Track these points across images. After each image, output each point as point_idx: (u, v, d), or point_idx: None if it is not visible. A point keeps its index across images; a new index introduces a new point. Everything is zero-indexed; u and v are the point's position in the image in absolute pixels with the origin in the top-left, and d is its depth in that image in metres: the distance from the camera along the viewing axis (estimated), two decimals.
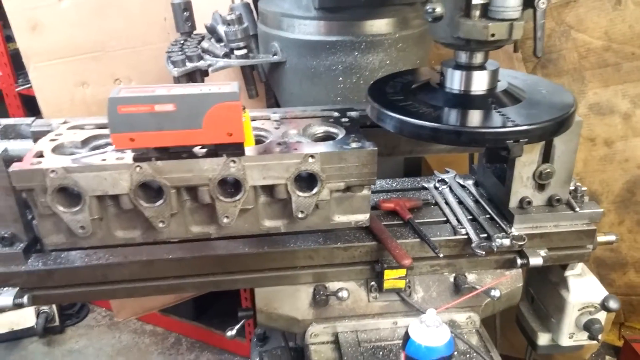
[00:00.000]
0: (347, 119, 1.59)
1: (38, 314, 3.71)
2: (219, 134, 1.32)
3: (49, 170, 1.30)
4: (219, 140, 1.33)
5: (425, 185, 2.05)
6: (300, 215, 1.44)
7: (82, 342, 3.88)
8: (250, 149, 1.38)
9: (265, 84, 2.57)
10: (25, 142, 1.67)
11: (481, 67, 1.43)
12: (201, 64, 2.15)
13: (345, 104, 2.14)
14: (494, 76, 1.46)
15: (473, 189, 2.02)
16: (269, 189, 1.44)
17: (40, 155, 1.38)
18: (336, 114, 1.64)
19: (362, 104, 1.73)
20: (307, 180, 1.44)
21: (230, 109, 1.29)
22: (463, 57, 1.43)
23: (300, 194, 1.41)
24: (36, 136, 1.61)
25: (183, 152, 1.38)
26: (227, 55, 2.18)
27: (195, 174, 1.37)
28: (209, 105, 1.28)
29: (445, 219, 1.86)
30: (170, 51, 2.21)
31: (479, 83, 1.44)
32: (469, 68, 1.43)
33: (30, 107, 3.34)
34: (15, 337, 3.85)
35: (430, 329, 1.33)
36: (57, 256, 1.64)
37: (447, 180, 2.05)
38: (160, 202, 1.38)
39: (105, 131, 1.52)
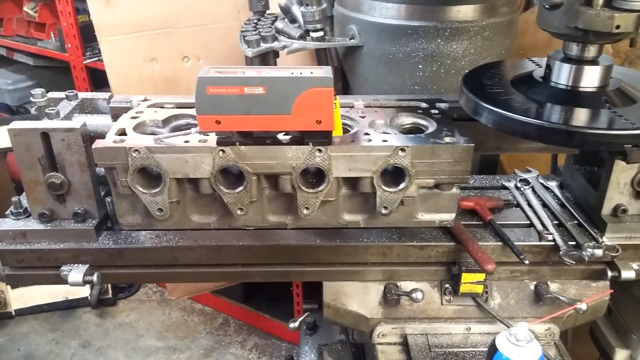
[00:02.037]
0: (436, 111, 1.49)
1: (92, 286, 3.77)
2: (308, 121, 1.24)
3: (132, 150, 1.26)
4: (308, 127, 1.25)
5: (506, 184, 1.92)
6: (383, 211, 1.36)
7: (133, 316, 3.95)
8: (336, 139, 1.30)
9: (335, 69, 2.48)
10: (103, 117, 1.65)
11: (593, 62, 1.30)
12: (275, 45, 2.08)
13: (423, 94, 2.04)
14: (607, 72, 1.33)
15: (557, 191, 1.88)
16: (352, 182, 1.37)
17: (122, 133, 1.35)
18: (424, 105, 1.54)
19: (450, 95, 1.63)
20: (392, 175, 1.35)
21: (322, 95, 1.22)
22: (574, 49, 1.31)
23: (386, 188, 1.33)
24: (115, 112, 1.58)
25: (267, 138, 1.31)
26: (302, 37, 2.10)
27: (279, 161, 1.30)
28: (301, 90, 1.21)
29: (528, 222, 1.74)
30: (245, 30, 2.15)
31: (590, 79, 1.31)
32: (579, 62, 1.31)
33: (96, 80, 3.37)
34: (70, 306, 3.95)
35: (520, 344, 1.23)
36: (128, 235, 1.60)
37: (530, 180, 1.92)
38: (241, 188, 1.33)
39: (186, 111, 1.47)
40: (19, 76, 4.11)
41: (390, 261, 1.65)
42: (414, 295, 1.61)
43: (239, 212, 1.35)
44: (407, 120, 1.48)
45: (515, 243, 1.61)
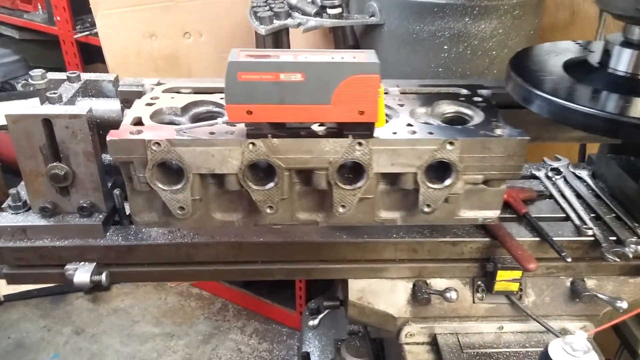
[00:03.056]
0: (479, 99, 1.37)
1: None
2: (349, 112, 1.12)
3: (152, 142, 1.13)
4: (348, 118, 1.13)
5: (536, 173, 1.82)
6: (426, 209, 1.25)
7: (128, 301, 3.83)
8: (378, 131, 1.18)
9: (352, 48, 2.34)
10: (110, 101, 1.50)
11: None
12: (290, 22, 1.94)
13: (450, 78, 1.92)
14: None
15: (590, 181, 1.79)
16: (392, 177, 1.25)
17: (138, 122, 1.21)
18: (465, 92, 1.42)
19: (490, 80, 1.51)
20: (436, 170, 1.24)
21: (367, 83, 1.09)
22: (637, 33, 1.19)
23: (431, 185, 1.21)
24: (124, 97, 1.43)
25: (300, 130, 1.19)
26: (318, 14, 1.95)
27: (315, 155, 1.18)
28: (343, 77, 1.08)
29: (564, 215, 1.64)
30: (256, 6, 1.99)
31: None
32: None
33: (87, 56, 3.18)
34: (61, 291, 3.81)
35: (577, 355, 1.15)
36: (138, 231, 1.48)
37: (561, 169, 1.83)
38: (271, 185, 1.20)
39: (206, 97, 1.33)
40: (4, 50, 3.88)
41: (420, 258, 1.55)
42: (447, 294, 1.51)
43: (268, 210, 1.23)
44: (448, 108, 1.36)
45: (554, 238, 1.51)
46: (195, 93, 1.38)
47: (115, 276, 1.53)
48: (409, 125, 1.23)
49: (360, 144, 1.16)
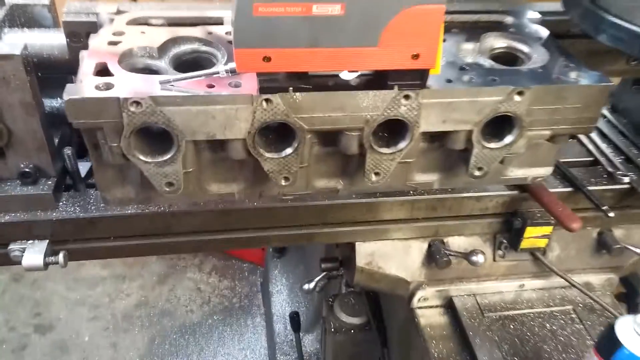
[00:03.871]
0: (534, 29, 1.11)
1: None
2: (401, 56, 0.84)
3: (129, 102, 0.80)
4: (399, 64, 0.85)
5: None
6: (477, 172, 1.02)
7: None
8: (429, 79, 0.91)
9: None
10: (50, 33, 1.12)
11: None
12: None
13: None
14: None
15: (610, 116, 1.62)
16: (437, 136, 1.00)
17: (103, 70, 0.87)
18: (510, 19, 1.15)
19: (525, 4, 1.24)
20: (490, 124, 0.99)
21: (429, 17, 0.80)
22: None
23: (487, 144, 0.97)
24: (71, 29, 1.06)
25: (326, 80, 0.90)
26: None
27: (348, 113, 0.90)
28: (398, 8, 0.78)
29: (592, 158, 1.47)
30: None
31: None
32: None
33: None
34: None
35: None
36: (99, 197, 1.16)
37: None
38: (289, 151, 0.92)
39: (190, 31, 0.99)
40: None
41: (440, 215, 1.35)
42: (473, 258, 1.33)
43: (283, 182, 0.95)
44: (497, 43, 1.09)
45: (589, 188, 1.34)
46: (170, 25, 1.03)
47: (75, 254, 1.23)
48: (463, 69, 0.96)
49: (407, 96, 0.89)
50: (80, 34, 1.06)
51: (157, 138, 0.88)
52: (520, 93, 0.92)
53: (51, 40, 1.11)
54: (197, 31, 0.99)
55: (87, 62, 0.87)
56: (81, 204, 1.16)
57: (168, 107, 0.83)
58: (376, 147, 0.95)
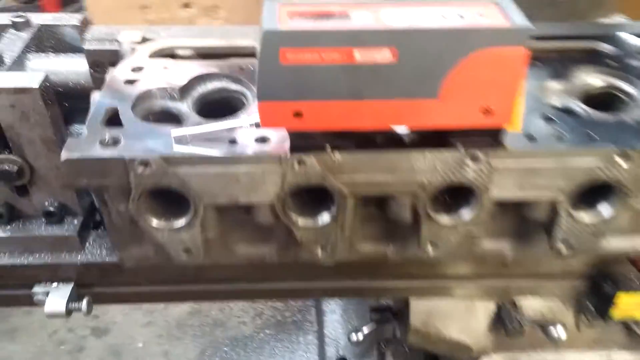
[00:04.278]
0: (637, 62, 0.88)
1: None
2: (467, 110, 0.66)
3: (136, 162, 0.67)
4: (464, 121, 0.67)
5: None
6: (563, 248, 0.81)
7: None
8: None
9: None
10: (74, 59, 1.02)
11: None
12: None
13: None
14: None
15: None
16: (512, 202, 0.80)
17: (113, 117, 0.75)
18: (607, 47, 0.93)
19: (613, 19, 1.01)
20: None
21: (505, 62, 0.62)
22: None
23: (579, 217, 0.77)
24: (94, 58, 0.95)
25: (374, 136, 0.73)
26: None
27: (399, 176, 0.73)
28: (465, 52, 0.60)
29: None
30: None
31: None
32: None
33: None
34: None
35: None
36: None
37: None
38: (327, 218, 0.76)
39: (219, 65, 0.85)
40: None
41: (512, 273, 1.14)
42: (552, 332, 1.12)
43: (320, 252, 0.80)
44: (593, 80, 0.87)
45: None
46: (199, 56, 0.90)
47: (101, 298, 1.14)
48: (549, 119, 0.76)
49: (475, 158, 0.71)
50: (103, 63, 0.95)
51: (173, 197, 0.75)
52: (626, 156, 0.71)
53: (78, 67, 1.01)
54: (226, 66, 0.85)
55: (97, 107, 0.75)
56: (108, 246, 1.06)
57: (183, 167, 0.70)
58: (434, 215, 0.77)
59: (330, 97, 0.64)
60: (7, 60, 1.00)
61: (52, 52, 1.10)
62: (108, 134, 0.71)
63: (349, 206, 0.76)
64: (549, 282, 1.14)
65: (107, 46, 0.94)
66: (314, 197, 0.78)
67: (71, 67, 1.03)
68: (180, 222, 0.75)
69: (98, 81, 0.95)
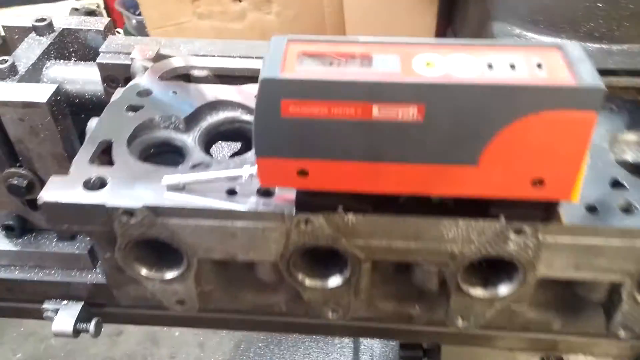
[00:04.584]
0: None
1: None
2: (514, 181, 0.53)
3: (120, 212, 0.59)
4: (510, 192, 0.54)
5: None
6: (622, 333, 0.67)
7: None
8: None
9: None
10: (92, 68, 0.95)
11: None
12: None
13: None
14: None
15: None
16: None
17: (108, 151, 0.66)
18: None
19: None
20: None
21: (568, 129, 0.49)
22: None
23: None
24: (107, 73, 0.87)
25: (394, 197, 0.61)
26: None
27: (424, 244, 0.61)
28: (514, 116, 0.48)
29: None
30: None
31: None
32: None
33: None
34: None
35: None
36: None
37: None
38: (338, 281, 0.66)
39: (234, 92, 0.75)
40: None
41: (556, 330, 1.00)
42: None
43: (331, 314, 0.69)
44: None
45: None
46: (216, 76, 0.80)
47: (112, 317, 1.08)
48: (618, 184, 0.62)
49: (520, 231, 0.58)
50: (117, 78, 0.87)
51: (165, 244, 0.66)
52: None
53: (96, 76, 0.94)
54: (242, 92, 0.75)
55: (90, 139, 0.67)
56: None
57: (173, 219, 0.61)
58: (465, 288, 0.65)
59: (341, 157, 0.53)
60: (21, 68, 0.94)
61: (74, 57, 1.04)
62: (95, 173, 0.63)
63: (365, 269, 0.65)
64: (604, 340, 0.99)
65: (122, 60, 0.86)
66: (324, 251, 0.67)
67: (89, 77, 0.96)
68: (172, 273, 0.67)
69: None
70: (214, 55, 0.83)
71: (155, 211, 0.60)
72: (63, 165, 0.92)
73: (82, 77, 0.97)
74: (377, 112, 0.49)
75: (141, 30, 1.96)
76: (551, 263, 0.62)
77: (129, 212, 0.60)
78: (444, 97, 0.48)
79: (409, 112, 0.49)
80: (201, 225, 0.61)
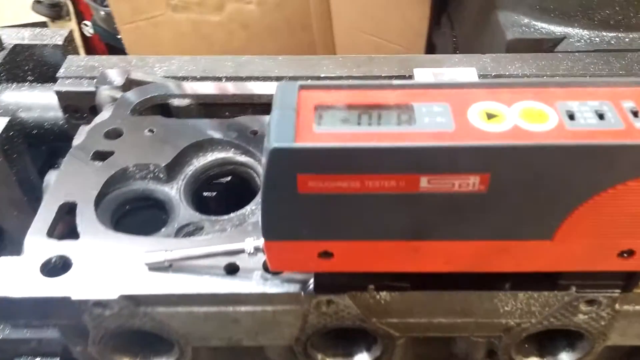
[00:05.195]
0: None
1: None
2: (596, 253, 0.41)
3: (91, 303, 0.46)
4: (589, 265, 0.43)
5: None
6: None
7: None
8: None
9: None
10: (51, 93, 0.80)
11: None
12: None
13: None
14: None
15: None
16: None
17: (70, 218, 0.53)
18: None
19: None
20: None
21: None
22: None
23: None
24: (67, 102, 0.73)
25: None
26: None
27: (473, 319, 0.49)
28: (601, 186, 0.36)
29: None
30: None
31: None
32: None
33: None
34: None
35: None
36: None
37: None
38: (365, 359, 0.54)
39: (224, 126, 0.62)
40: None
41: None
42: None
43: None
44: None
45: None
46: (201, 105, 0.67)
47: None
48: None
49: (591, 302, 0.47)
50: (81, 108, 0.73)
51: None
52: None
53: (55, 101, 0.79)
54: (234, 126, 0.62)
55: (48, 202, 0.54)
56: None
57: (157, 307, 0.48)
58: (519, 359, 0.54)
59: (376, 237, 0.40)
60: None
61: (30, 77, 0.89)
62: (56, 252, 0.50)
63: (399, 345, 0.53)
64: None
65: (85, 87, 0.72)
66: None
67: (49, 101, 0.82)
68: None
69: (77, 128, 0.74)
70: (196, 77, 0.69)
71: (136, 300, 0.47)
72: (23, 211, 0.79)
73: (40, 102, 0.83)
74: (427, 183, 0.37)
75: (110, 22, 1.78)
76: (626, 331, 0.51)
77: (103, 305, 0.47)
78: (515, 162, 0.36)
79: (469, 182, 0.37)
80: (195, 313, 0.49)
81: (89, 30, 1.99)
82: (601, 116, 0.37)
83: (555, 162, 0.36)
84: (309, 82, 0.40)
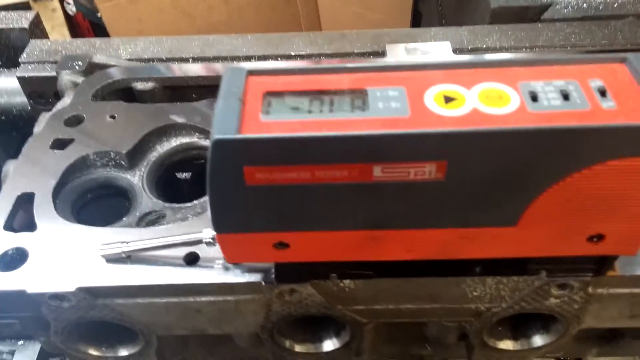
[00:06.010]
0: None
1: None
2: (564, 238, 0.40)
3: (47, 296, 0.45)
4: (557, 250, 0.42)
5: None
6: None
7: None
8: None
9: None
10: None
11: None
12: None
13: None
14: None
15: None
16: None
17: (26, 208, 0.52)
18: None
19: None
20: None
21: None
22: None
23: None
24: (31, 89, 0.71)
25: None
26: None
27: (441, 304, 0.48)
28: (575, 166, 0.34)
29: None
30: None
31: None
32: None
33: None
34: None
35: None
36: None
37: None
38: (335, 344, 0.53)
39: (188, 113, 0.60)
40: None
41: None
42: None
43: None
44: None
45: None
46: (165, 88, 0.64)
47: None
48: None
49: (564, 286, 0.46)
50: (45, 93, 0.71)
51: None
52: None
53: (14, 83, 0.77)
54: (199, 109, 0.59)
55: (5, 194, 0.52)
56: None
57: (117, 299, 0.47)
58: (492, 342, 0.53)
59: (332, 227, 0.39)
60: None
61: None
62: (12, 244, 0.48)
63: (367, 330, 0.52)
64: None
65: (48, 72, 0.69)
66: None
67: (16, 86, 0.79)
68: (129, 350, 0.54)
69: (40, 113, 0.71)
70: (162, 59, 0.66)
71: (93, 292, 0.46)
72: None
73: (7, 87, 0.80)
74: (380, 172, 0.35)
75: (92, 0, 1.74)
76: (600, 314, 0.50)
77: (60, 297, 0.46)
78: (473, 149, 0.34)
79: (425, 171, 0.35)
80: (155, 303, 0.47)
81: (71, 9, 1.95)
82: (566, 96, 0.35)
83: (515, 148, 0.34)
84: (258, 67, 0.38)
